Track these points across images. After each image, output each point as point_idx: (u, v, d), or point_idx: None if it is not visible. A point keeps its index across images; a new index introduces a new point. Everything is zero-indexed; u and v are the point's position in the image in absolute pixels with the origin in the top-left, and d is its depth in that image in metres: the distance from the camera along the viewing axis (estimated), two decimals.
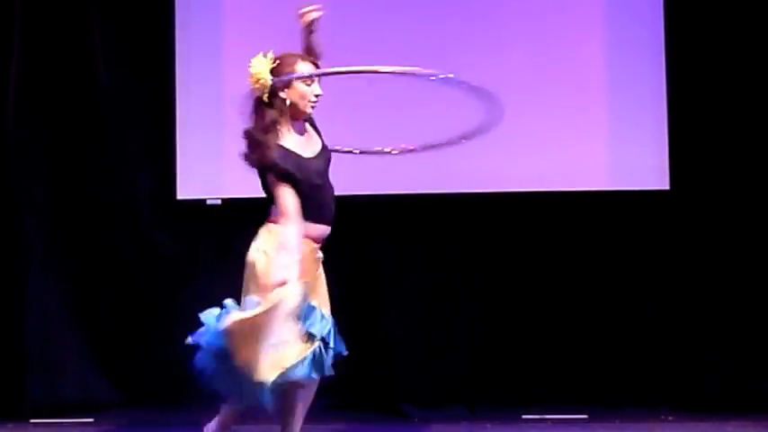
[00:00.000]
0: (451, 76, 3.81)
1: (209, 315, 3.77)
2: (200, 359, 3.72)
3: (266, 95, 3.78)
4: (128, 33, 5.91)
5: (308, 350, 3.72)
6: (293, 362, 3.65)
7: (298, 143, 3.82)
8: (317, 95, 3.83)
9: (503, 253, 5.76)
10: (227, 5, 5.96)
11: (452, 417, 5.57)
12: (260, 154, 3.71)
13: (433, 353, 5.81)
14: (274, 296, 3.51)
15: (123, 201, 5.94)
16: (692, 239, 5.69)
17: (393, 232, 5.82)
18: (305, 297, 3.69)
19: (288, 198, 3.70)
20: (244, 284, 3.80)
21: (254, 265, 3.75)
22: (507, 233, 5.75)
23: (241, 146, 3.80)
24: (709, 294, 5.66)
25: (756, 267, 5.63)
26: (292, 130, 3.84)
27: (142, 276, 5.94)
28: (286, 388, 3.73)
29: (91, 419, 5.64)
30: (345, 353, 3.92)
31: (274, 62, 3.78)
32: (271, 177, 3.72)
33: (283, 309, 3.50)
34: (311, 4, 3.98)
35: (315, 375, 3.76)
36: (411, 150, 4.31)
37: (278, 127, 3.77)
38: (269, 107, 3.78)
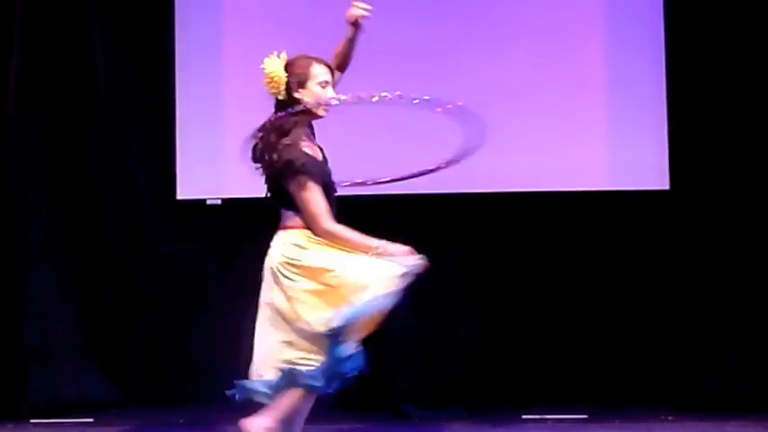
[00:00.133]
0: (427, 98, 3.77)
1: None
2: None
3: (282, 95, 3.72)
4: (128, 33, 5.91)
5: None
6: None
7: (311, 146, 3.78)
8: (331, 98, 3.76)
9: (503, 253, 5.76)
10: (227, 5, 5.96)
11: (452, 417, 5.58)
12: (288, 155, 3.60)
13: (433, 353, 5.81)
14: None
15: (123, 201, 5.94)
16: (692, 239, 5.69)
17: (393, 232, 5.79)
18: None
19: (320, 198, 3.62)
20: (272, 294, 3.68)
21: (278, 274, 3.65)
22: (507, 233, 5.75)
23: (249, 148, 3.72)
24: (708, 294, 5.66)
25: (756, 267, 5.63)
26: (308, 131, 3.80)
27: (142, 276, 5.94)
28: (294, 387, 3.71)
29: (91, 419, 5.64)
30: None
31: (287, 63, 3.73)
32: (298, 179, 3.61)
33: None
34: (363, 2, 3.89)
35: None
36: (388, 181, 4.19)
37: (298, 129, 3.70)
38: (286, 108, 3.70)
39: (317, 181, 3.63)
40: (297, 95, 3.73)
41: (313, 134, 3.94)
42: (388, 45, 5.58)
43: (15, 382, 5.75)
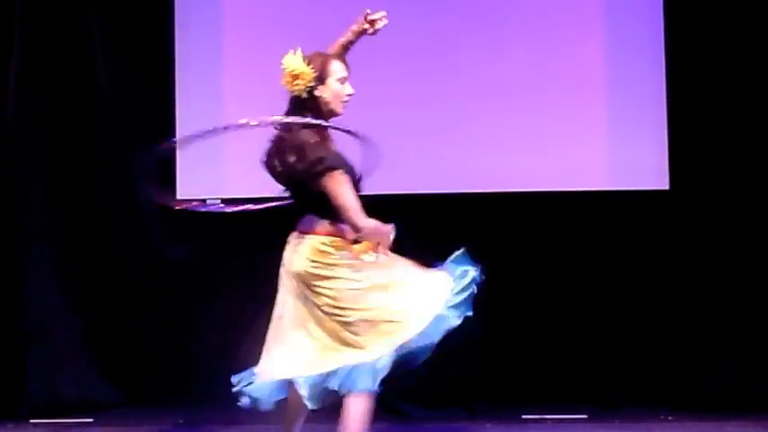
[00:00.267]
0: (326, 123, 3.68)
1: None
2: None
3: (304, 93, 3.68)
4: (128, 33, 5.91)
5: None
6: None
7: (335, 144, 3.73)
8: (348, 94, 3.75)
9: (503, 253, 5.75)
10: (227, 5, 5.96)
11: (452, 417, 5.58)
12: (318, 153, 3.56)
13: (433, 353, 5.80)
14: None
15: (123, 201, 5.94)
16: (692, 239, 5.69)
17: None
18: None
19: (352, 195, 3.59)
20: (304, 300, 3.67)
21: (310, 277, 3.64)
22: (507, 233, 5.74)
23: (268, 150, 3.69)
24: (708, 294, 5.66)
25: (756, 267, 5.62)
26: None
27: (141, 276, 5.94)
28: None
29: (91, 419, 5.64)
30: None
31: (305, 60, 3.68)
32: (330, 175, 3.56)
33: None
34: (380, 10, 3.90)
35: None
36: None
37: (320, 128, 3.66)
38: (307, 107, 3.68)
39: (348, 177, 3.60)
40: (316, 93, 3.70)
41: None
42: (389, 44, 5.55)
43: (15, 382, 5.75)
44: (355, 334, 3.63)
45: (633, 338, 5.71)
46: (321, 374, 3.61)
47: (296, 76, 3.66)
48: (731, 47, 5.63)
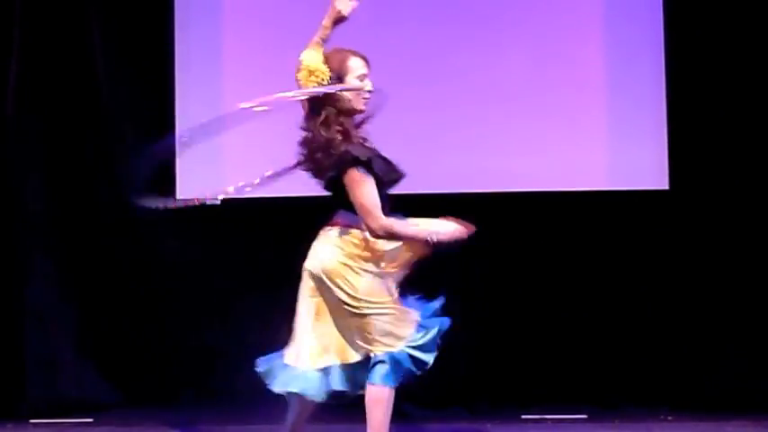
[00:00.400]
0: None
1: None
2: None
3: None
4: (128, 33, 5.91)
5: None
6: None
7: (363, 138, 3.73)
8: (369, 91, 3.72)
9: (503, 253, 5.76)
10: (227, 5, 5.96)
11: (452, 417, 5.58)
12: (347, 147, 3.55)
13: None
14: None
15: (123, 201, 5.93)
16: (692, 239, 5.69)
17: None
18: None
19: (371, 193, 3.59)
20: (330, 292, 3.68)
21: (336, 269, 3.65)
22: (507, 233, 5.74)
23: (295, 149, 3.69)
24: (708, 294, 5.66)
25: (756, 267, 5.63)
26: None
27: (141, 276, 5.94)
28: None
29: (90, 419, 5.64)
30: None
31: (324, 57, 3.67)
32: (351, 173, 3.56)
33: None
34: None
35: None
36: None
37: (347, 123, 3.65)
38: (326, 104, 3.65)
39: (370, 174, 3.59)
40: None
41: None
42: (389, 47, 5.58)
43: (15, 382, 5.75)
44: (377, 327, 3.65)
45: (633, 338, 5.71)
46: (350, 364, 3.66)
47: (312, 72, 3.65)
48: (731, 47, 5.63)
